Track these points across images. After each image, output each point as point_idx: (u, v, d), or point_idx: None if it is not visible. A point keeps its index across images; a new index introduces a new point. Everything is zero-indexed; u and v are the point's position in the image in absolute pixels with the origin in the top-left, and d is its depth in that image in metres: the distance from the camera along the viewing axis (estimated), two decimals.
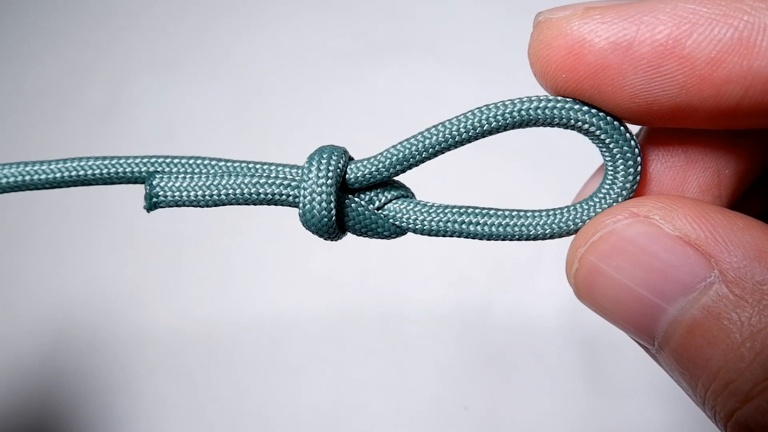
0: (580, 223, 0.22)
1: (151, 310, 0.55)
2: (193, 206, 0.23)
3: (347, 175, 0.22)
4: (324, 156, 0.22)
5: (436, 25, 0.69)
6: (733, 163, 0.22)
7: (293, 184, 0.22)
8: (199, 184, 0.22)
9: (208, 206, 0.23)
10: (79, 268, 0.58)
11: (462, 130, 0.21)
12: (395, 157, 0.22)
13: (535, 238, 0.22)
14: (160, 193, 0.22)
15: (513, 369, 0.51)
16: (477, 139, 0.21)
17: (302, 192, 0.22)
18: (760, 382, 0.16)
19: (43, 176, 0.23)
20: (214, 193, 0.22)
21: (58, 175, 0.23)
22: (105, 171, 0.23)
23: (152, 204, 0.22)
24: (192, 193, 0.22)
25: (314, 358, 0.52)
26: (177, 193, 0.22)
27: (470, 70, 0.65)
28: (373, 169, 0.22)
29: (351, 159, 0.23)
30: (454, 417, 0.50)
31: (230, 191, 0.22)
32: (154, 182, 0.22)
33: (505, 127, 0.21)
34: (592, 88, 0.19)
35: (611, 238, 0.19)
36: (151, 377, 0.52)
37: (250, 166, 0.23)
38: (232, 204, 0.22)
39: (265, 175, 0.23)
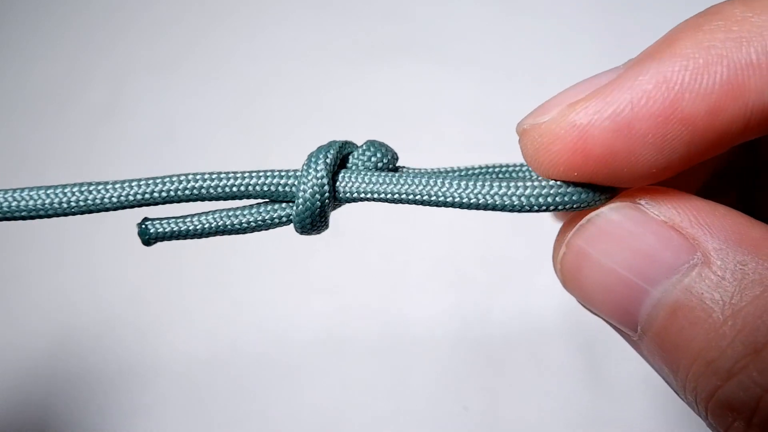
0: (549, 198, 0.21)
1: (152, 310, 0.55)
2: (189, 238, 0.23)
3: (337, 185, 0.22)
4: (320, 156, 0.22)
5: (436, 25, 0.69)
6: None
7: (290, 181, 0.22)
8: (192, 222, 0.22)
9: (203, 236, 0.23)
10: (81, 272, 0.58)
11: (457, 199, 0.21)
12: (390, 193, 0.21)
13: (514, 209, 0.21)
14: (153, 234, 0.22)
15: (513, 369, 0.51)
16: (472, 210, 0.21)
17: (302, 178, 0.22)
18: (741, 358, 0.16)
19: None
20: (205, 225, 0.22)
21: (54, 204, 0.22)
22: (100, 204, 0.22)
23: (147, 243, 0.22)
24: (184, 228, 0.22)
25: (314, 358, 0.52)
26: (170, 231, 0.22)
27: (470, 70, 0.65)
28: (360, 195, 0.22)
29: (347, 148, 0.23)
30: (454, 417, 0.50)
31: (224, 220, 0.22)
32: (146, 228, 0.22)
33: (504, 209, 0.21)
34: (609, 175, 0.19)
35: (599, 222, 0.20)
36: (152, 378, 0.52)
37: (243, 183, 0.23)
38: (227, 229, 0.22)
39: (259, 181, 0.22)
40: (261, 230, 0.23)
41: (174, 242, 0.23)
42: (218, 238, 0.24)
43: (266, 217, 0.22)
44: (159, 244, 0.23)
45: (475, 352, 0.52)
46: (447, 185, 0.21)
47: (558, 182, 0.20)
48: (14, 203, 0.21)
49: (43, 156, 0.64)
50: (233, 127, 0.64)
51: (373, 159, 0.23)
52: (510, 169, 0.24)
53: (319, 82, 0.66)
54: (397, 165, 0.24)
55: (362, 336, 0.53)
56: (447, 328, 0.53)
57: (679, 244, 0.18)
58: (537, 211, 0.20)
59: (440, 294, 0.54)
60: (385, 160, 0.23)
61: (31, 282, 0.58)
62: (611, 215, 0.20)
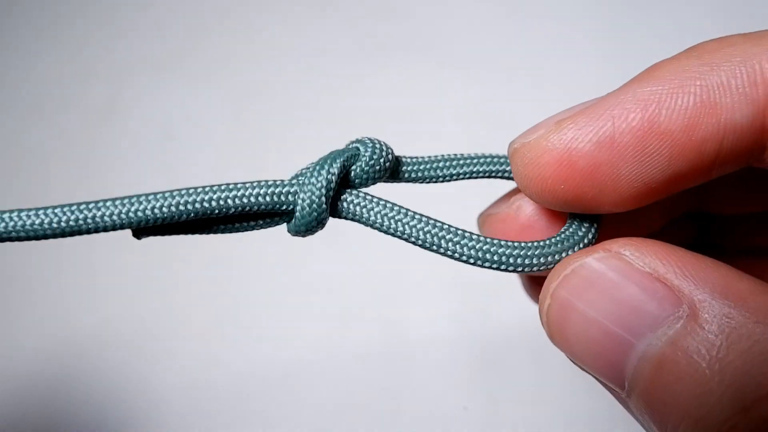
0: (542, 258, 0.22)
1: (152, 311, 0.55)
2: (180, 234, 0.22)
3: (337, 204, 0.22)
4: (322, 171, 0.22)
5: (436, 25, 0.69)
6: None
7: (288, 198, 0.22)
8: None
9: (195, 234, 0.22)
10: (80, 275, 0.58)
11: (448, 251, 0.22)
12: (385, 229, 0.22)
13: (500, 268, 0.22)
14: (145, 231, 0.22)
15: (513, 369, 0.51)
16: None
17: (300, 194, 0.22)
18: (729, 417, 0.16)
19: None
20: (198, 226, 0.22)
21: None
22: (91, 225, 0.21)
23: (138, 236, 0.22)
24: (176, 227, 0.22)
25: (314, 359, 0.52)
26: (161, 228, 0.22)
27: (471, 70, 0.65)
28: (357, 218, 0.22)
29: (350, 160, 0.23)
30: (454, 417, 0.50)
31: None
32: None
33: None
34: (593, 189, 0.20)
35: (583, 272, 0.20)
36: (152, 378, 0.52)
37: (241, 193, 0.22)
38: (219, 229, 0.22)
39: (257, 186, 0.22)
40: (253, 230, 0.23)
41: (174, 243, 0.23)
42: (218, 238, 0.24)
43: (261, 222, 0.22)
44: (159, 242, 0.23)
45: (475, 352, 0.52)
46: (443, 242, 0.22)
47: (543, 242, 0.21)
48: (4, 234, 0.20)
49: (43, 156, 0.64)
50: (232, 126, 0.64)
51: (371, 172, 0.23)
52: (503, 168, 0.25)
53: (319, 82, 0.66)
54: (397, 156, 0.24)
55: (362, 336, 0.53)
56: (447, 329, 0.53)
57: (663, 295, 0.18)
58: (529, 272, 0.21)
59: (440, 294, 0.54)
60: (387, 165, 0.23)
61: (31, 285, 0.57)
62: (595, 265, 0.19)
